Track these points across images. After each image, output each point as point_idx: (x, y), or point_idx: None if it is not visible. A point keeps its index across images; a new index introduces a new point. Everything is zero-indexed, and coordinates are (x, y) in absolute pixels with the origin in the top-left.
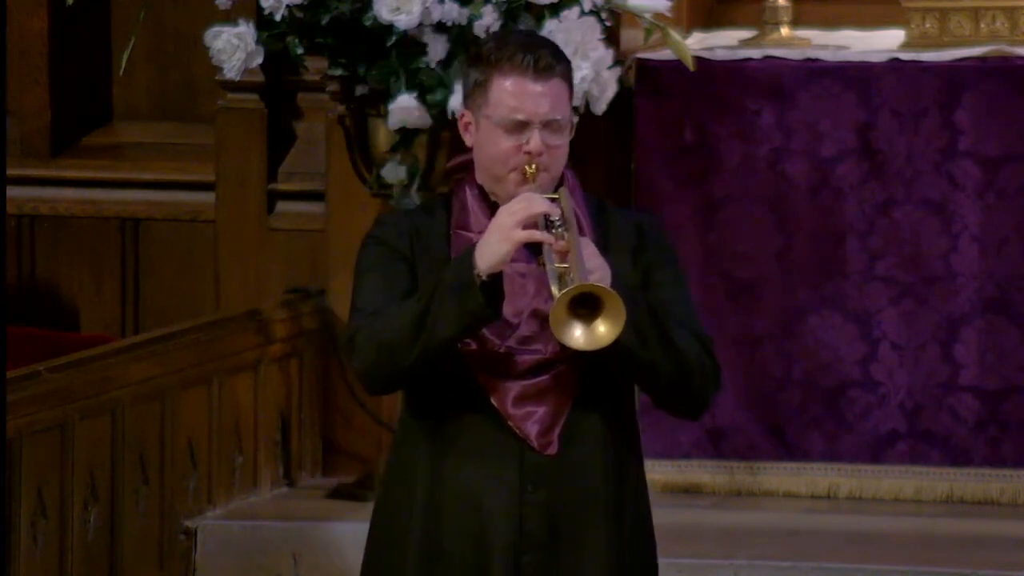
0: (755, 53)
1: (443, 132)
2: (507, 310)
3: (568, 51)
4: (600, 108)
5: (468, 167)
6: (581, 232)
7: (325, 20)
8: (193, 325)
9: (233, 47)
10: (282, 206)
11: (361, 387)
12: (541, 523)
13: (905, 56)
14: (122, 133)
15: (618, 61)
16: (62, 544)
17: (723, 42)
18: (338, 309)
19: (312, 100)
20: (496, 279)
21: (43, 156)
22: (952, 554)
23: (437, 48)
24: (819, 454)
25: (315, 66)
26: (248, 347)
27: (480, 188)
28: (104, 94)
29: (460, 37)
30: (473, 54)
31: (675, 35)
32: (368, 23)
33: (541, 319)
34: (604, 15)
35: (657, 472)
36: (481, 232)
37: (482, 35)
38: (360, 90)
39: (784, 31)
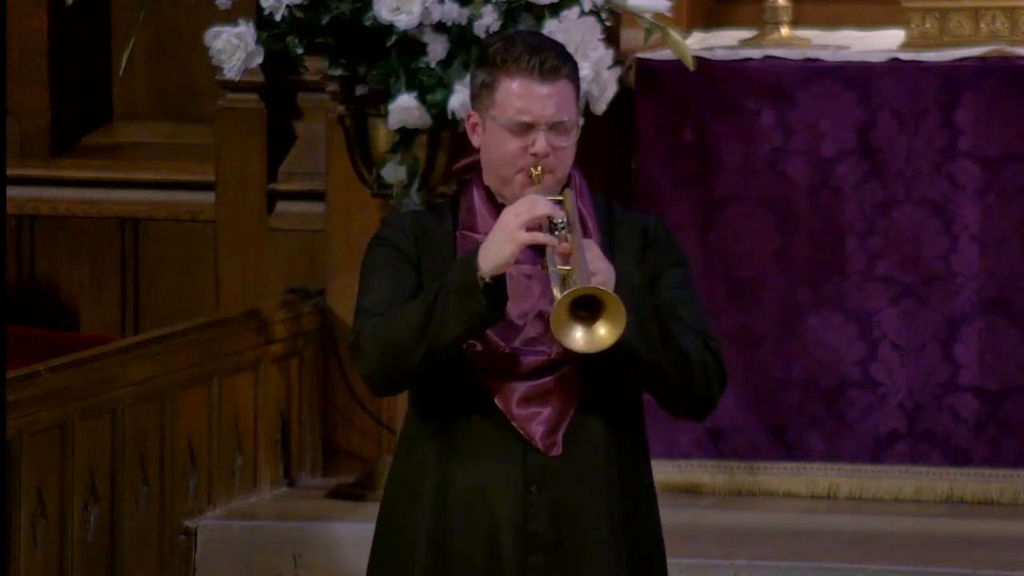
0: (755, 53)
1: (443, 132)
2: (512, 311)
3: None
4: (600, 108)
5: (475, 168)
6: (586, 234)
7: (325, 20)
8: (193, 325)
9: (233, 47)
10: (282, 206)
11: (362, 387)
12: (546, 524)
13: (905, 56)
14: (122, 133)
15: (618, 61)
16: (62, 544)
17: (723, 42)
18: (338, 309)
19: (312, 100)
20: (500, 281)
21: (43, 156)
22: (952, 554)
23: (437, 48)
24: (819, 454)
25: (315, 66)
26: (248, 347)
27: (487, 189)
28: (104, 94)
29: (460, 37)
30: (480, 55)
31: (675, 35)
32: (368, 23)
33: (546, 320)
34: (604, 15)
35: (657, 472)
36: (488, 234)
37: (482, 35)
38: (360, 90)
39: (784, 31)
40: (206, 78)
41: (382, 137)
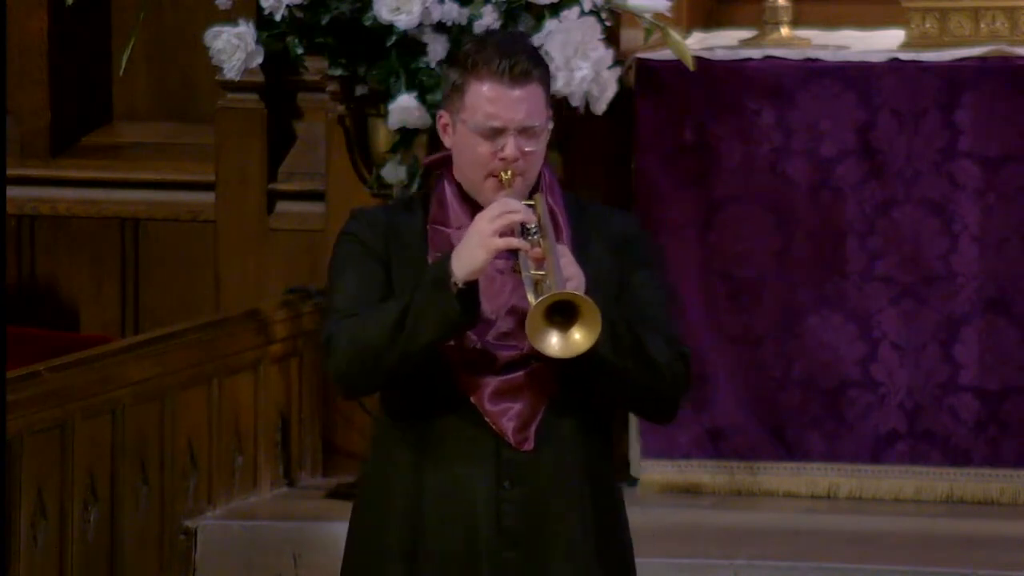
0: (755, 53)
1: None
2: (485, 307)
3: (568, 51)
4: (600, 108)
5: (447, 162)
6: (558, 237)
7: (325, 20)
8: (193, 325)
9: (233, 47)
10: (282, 206)
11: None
12: (518, 519)
13: (905, 56)
14: (122, 133)
15: (618, 61)
16: (62, 544)
17: (723, 42)
18: None
19: (312, 100)
20: (473, 286)
21: (43, 156)
22: (952, 554)
23: (437, 48)
24: (819, 454)
25: (315, 66)
26: (248, 347)
27: (458, 184)
28: (104, 94)
29: (460, 37)
30: (451, 56)
31: (675, 35)
32: (368, 23)
33: (518, 316)
34: (604, 15)
35: (657, 472)
36: (459, 227)
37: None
38: (360, 90)
39: (784, 31)
40: (206, 78)
41: (382, 137)
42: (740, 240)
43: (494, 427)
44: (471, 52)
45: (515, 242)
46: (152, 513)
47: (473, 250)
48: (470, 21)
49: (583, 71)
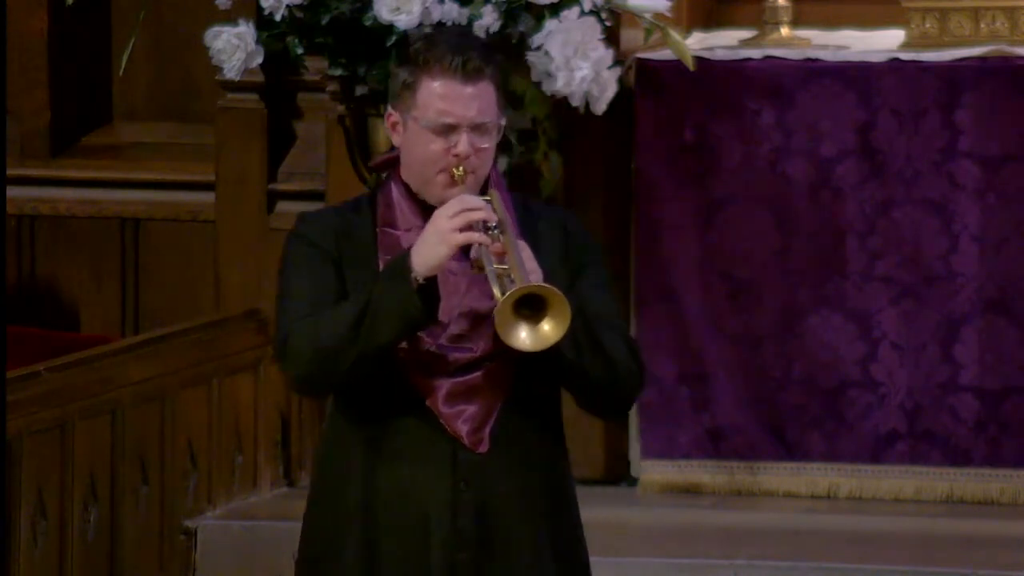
0: (755, 53)
1: None
2: (439, 309)
3: (568, 51)
4: (600, 108)
5: (393, 164)
6: (514, 232)
7: (325, 20)
8: (193, 325)
9: (233, 47)
10: (282, 206)
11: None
12: (475, 521)
13: (905, 56)
14: (122, 133)
15: (618, 61)
16: (62, 544)
17: (723, 42)
18: None
19: (312, 100)
20: (432, 283)
21: (43, 156)
22: (952, 554)
23: None
24: (819, 454)
25: (315, 66)
26: (248, 347)
27: (406, 185)
28: (104, 94)
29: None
30: (401, 54)
31: (675, 35)
32: (368, 23)
33: (472, 317)
34: (604, 15)
35: (657, 472)
36: (408, 230)
37: (482, 35)
38: (360, 90)
39: (784, 31)
40: (206, 78)
41: (382, 137)
42: (740, 240)
43: (449, 429)
44: (422, 50)
45: (476, 236)
46: (152, 513)
47: (434, 246)
48: (470, 21)
49: (583, 71)
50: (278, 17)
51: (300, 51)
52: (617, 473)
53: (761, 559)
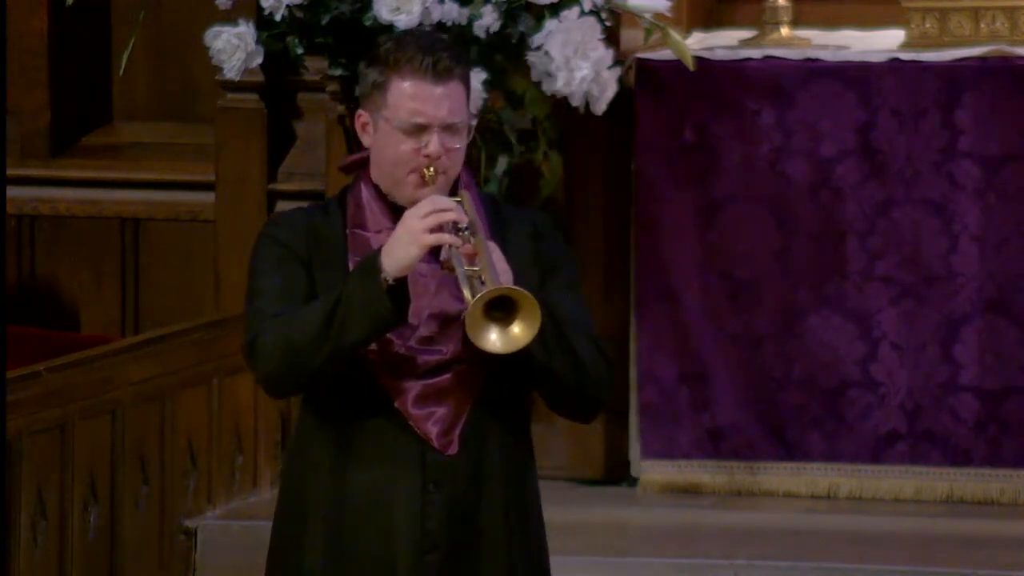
0: (755, 53)
1: None
2: (408, 310)
3: (568, 51)
4: (600, 108)
5: (363, 165)
6: (485, 234)
7: (325, 20)
8: (193, 325)
9: (233, 47)
10: (282, 206)
11: None
12: (443, 523)
13: (905, 56)
14: (122, 133)
15: (618, 61)
16: (62, 544)
17: (723, 42)
18: None
19: (312, 100)
20: (402, 283)
21: (43, 156)
22: (952, 554)
23: None
24: (819, 454)
25: (315, 66)
26: None
27: (376, 187)
28: (104, 94)
29: (460, 37)
30: (371, 55)
31: (675, 35)
32: (368, 23)
33: (441, 319)
34: (604, 15)
35: (657, 472)
36: (379, 231)
37: (482, 35)
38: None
39: (784, 31)
40: (206, 78)
41: None
42: (740, 240)
43: (418, 431)
44: (392, 50)
45: (447, 237)
46: (152, 513)
47: (404, 247)
48: (470, 21)
49: (583, 71)
50: (278, 17)
51: (300, 51)
52: (617, 473)
53: (761, 559)
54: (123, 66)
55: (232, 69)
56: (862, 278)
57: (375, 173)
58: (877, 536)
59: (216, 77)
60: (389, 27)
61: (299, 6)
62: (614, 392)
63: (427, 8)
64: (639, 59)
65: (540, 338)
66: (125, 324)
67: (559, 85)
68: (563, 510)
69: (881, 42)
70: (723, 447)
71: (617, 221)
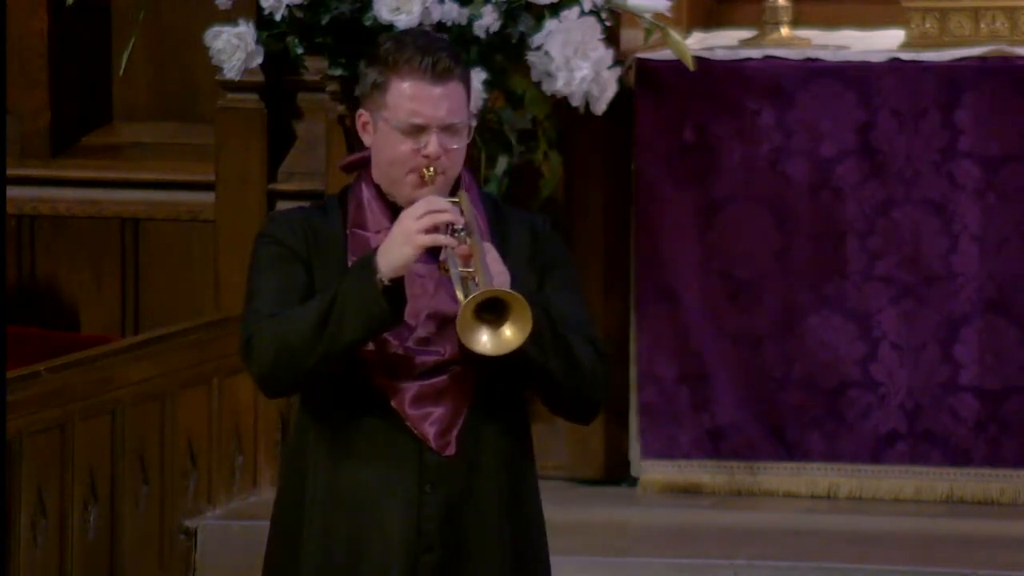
0: (755, 53)
1: None
2: (406, 311)
3: (568, 51)
4: (600, 108)
5: (363, 164)
6: (482, 235)
7: (325, 20)
8: (193, 325)
9: (233, 47)
10: (282, 206)
11: None
12: (439, 524)
13: (905, 56)
14: (122, 133)
15: (618, 61)
16: (62, 544)
17: (723, 42)
18: None
19: (312, 100)
20: (398, 283)
21: (43, 156)
22: (952, 554)
23: None
24: (819, 454)
25: (315, 66)
26: None
27: (377, 187)
28: (104, 94)
29: (460, 37)
30: (371, 55)
31: (675, 35)
32: (368, 23)
33: (439, 320)
34: (604, 15)
35: (657, 472)
36: (378, 231)
37: (482, 35)
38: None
39: (784, 31)
40: (206, 78)
41: None
42: (740, 240)
43: (416, 431)
44: (391, 50)
45: (442, 239)
46: (152, 513)
47: (399, 247)
48: (470, 21)
49: (583, 71)
50: (278, 17)
51: (300, 51)
52: (617, 473)
53: (761, 559)
54: (123, 66)
55: (232, 69)
56: (862, 278)
57: (375, 173)
58: (877, 536)
59: (216, 77)
60: (389, 27)
61: (299, 6)
62: (610, 392)
63: (427, 8)
64: (639, 59)
65: (536, 339)
66: (125, 324)
67: (559, 85)
68: (563, 510)
69: (881, 42)
70: (723, 447)
71: (617, 221)
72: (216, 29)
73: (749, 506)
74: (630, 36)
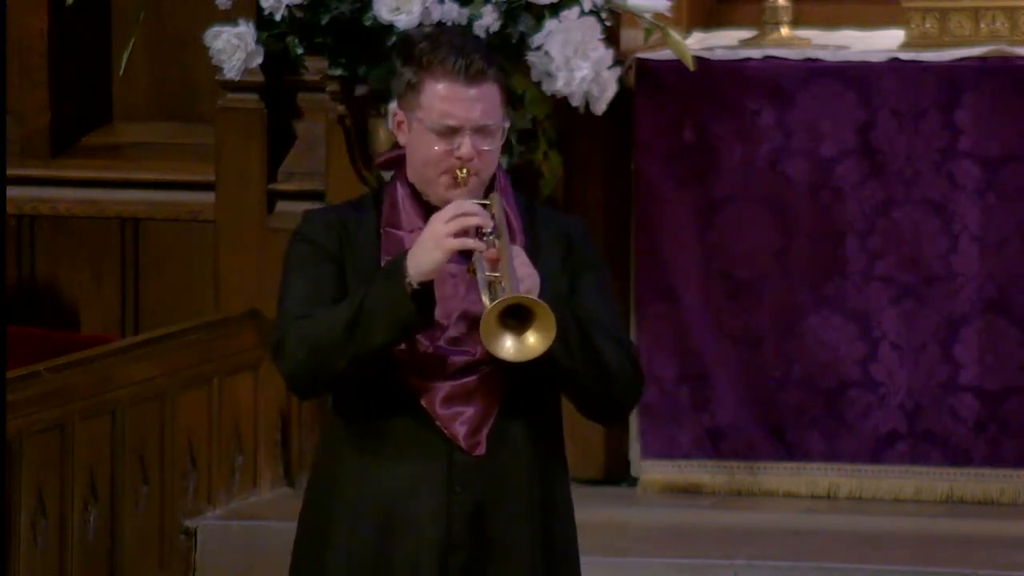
0: (755, 53)
1: None
2: (437, 311)
3: (568, 51)
4: (600, 108)
5: (399, 163)
6: (512, 238)
7: (325, 20)
8: (193, 325)
9: (233, 47)
10: (282, 206)
11: None
12: (468, 523)
13: (905, 56)
14: (122, 133)
15: (618, 61)
16: (62, 544)
17: (723, 42)
18: None
19: (312, 100)
20: (427, 286)
21: (43, 156)
22: (952, 554)
23: None
24: (819, 454)
25: (315, 66)
26: (248, 347)
27: (411, 186)
28: (104, 94)
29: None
30: (405, 54)
31: (675, 35)
32: (368, 23)
33: (470, 320)
34: (604, 15)
35: (657, 472)
36: (412, 231)
37: (482, 35)
38: (360, 90)
39: (784, 31)
40: (206, 78)
41: (382, 137)
42: (740, 240)
43: (446, 431)
44: (426, 51)
45: (470, 243)
46: (152, 513)
47: (428, 251)
48: (470, 21)
49: (583, 71)
50: (278, 17)
51: (300, 51)
52: (617, 473)
53: (761, 559)
54: (123, 66)
55: (232, 69)
56: (862, 278)
57: (410, 172)
58: (877, 536)
59: (216, 77)
60: (389, 27)
61: (299, 6)
62: (642, 397)
63: (427, 8)
64: (639, 59)
65: (564, 341)
66: (125, 324)
67: (559, 85)
68: None
69: (881, 42)
70: (723, 447)
71: (617, 221)
72: (216, 29)
73: (749, 506)
74: (630, 36)
